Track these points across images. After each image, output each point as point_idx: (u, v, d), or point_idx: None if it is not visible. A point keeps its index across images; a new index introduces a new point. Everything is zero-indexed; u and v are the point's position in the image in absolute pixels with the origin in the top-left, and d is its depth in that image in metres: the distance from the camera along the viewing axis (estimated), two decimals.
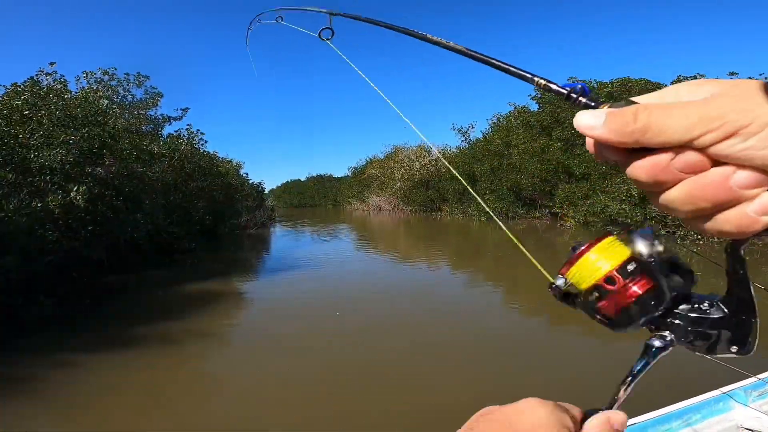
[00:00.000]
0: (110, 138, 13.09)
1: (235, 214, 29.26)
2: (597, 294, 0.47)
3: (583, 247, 0.47)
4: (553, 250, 15.80)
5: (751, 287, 0.44)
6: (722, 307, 0.46)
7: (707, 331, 0.46)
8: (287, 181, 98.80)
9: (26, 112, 11.45)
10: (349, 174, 64.65)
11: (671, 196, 0.38)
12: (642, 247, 0.46)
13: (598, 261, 0.46)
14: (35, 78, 12.87)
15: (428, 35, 0.69)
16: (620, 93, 23.58)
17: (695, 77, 25.35)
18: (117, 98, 15.82)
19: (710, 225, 0.38)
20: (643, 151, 0.38)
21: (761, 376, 2.66)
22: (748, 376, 2.69)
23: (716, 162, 0.36)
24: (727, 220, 0.37)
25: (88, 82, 15.75)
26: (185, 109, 20.25)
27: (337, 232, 29.24)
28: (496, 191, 27.18)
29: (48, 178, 10.91)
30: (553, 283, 0.50)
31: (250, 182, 41.07)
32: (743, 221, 0.36)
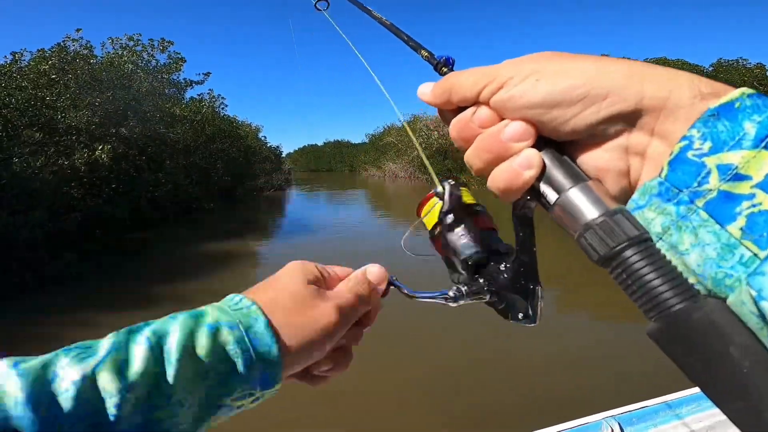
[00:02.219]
0: (134, 101, 13.28)
1: (253, 176, 29.46)
2: (435, 234, 0.52)
3: (430, 192, 0.53)
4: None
5: (534, 250, 0.44)
6: (511, 269, 0.46)
7: (500, 292, 0.47)
8: (304, 146, 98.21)
9: (53, 76, 11.68)
10: (367, 141, 64.22)
11: (468, 153, 0.42)
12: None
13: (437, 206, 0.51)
14: (62, 44, 13.01)
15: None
16: None
17: (737, 61, 24.81)
18: (141, 63, 15.79)
19: (491, 182, 0.41)
20: (461, 111, 0.43)
21: None
22: None
23: (503, 119, 0.40)
24: (499, 175, 0.40)
25: (113, 47, 15.77)
26: (207, 74, 20.21)
27: (353, 197, 29.21)
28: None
29: (74, 137, 11.13)
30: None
31: (268, 145, 41.19)
32: (510, 174, 0.39)
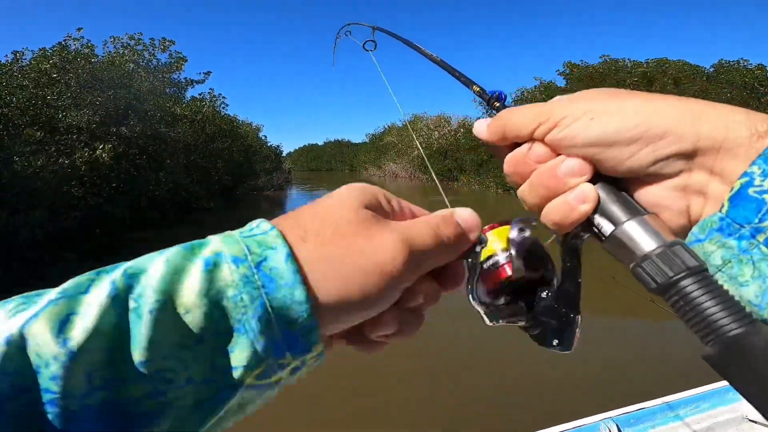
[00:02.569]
0: (135, 100, 13.32)
1: (253, 175, 29.46)
2: (484, 268, 0.50)
3: (486, 227, 0.51)
4: None
5: (579, 281, 0.45)
6: (553, 297, 0.47)
7: (538, 318, 0.47)
8: (305, 145, 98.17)
9: (54, 75, 11.73)
10: (367, 140, 64.19)
11: (523, 188, 0.43)
12: (515, 234, 0.50)
13: (494, 242, 0.50)
14: (63, 43, 13.06)
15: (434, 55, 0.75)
16: (656, 74, 23.05)
17: (738, 62, 24.79)
18: (142, 62, 15.77)
19: (545, 216, 0.42)
20: (515, 147, 0.44)
21: None
22: None
23: (558, 155, 0.41)
24: (554, 208, 0.41)
25: (114, 46, 15.75)
26: (207, 73, 20.19)
27: None
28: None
29: (75, 136, 11.17)
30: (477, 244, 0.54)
31: (269, 145, 41.24)
32: (564, 208, 0.40)
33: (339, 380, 4.41)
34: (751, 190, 0.33)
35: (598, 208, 0.39)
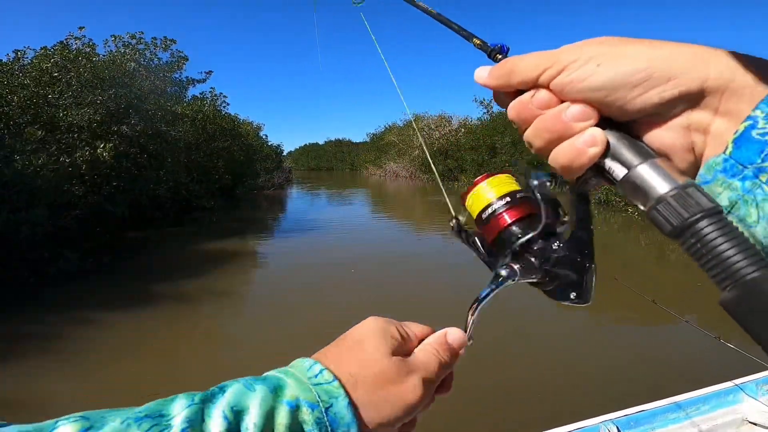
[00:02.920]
0: (136, 99, 13.32)
1: (254, 174, 29.42)
2: (482, 219, 0.51)
3: (479, 178, 0.52)
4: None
5: (591, 228, 0.46)
6: (565, 246, 0.46)
7: (552, 270, 0.46)
8: (305, 145, 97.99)
9: (56, 74, 11.75)
10: (368, 140, 64.13)
11: (528, 133, 0.43)
12: (526, 184, 0.50)
13: (488, 192, 0.50)
14: (65, 42, 13.06)
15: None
16: None
17: None
18: (144, 61, 15.75)
19: (552, 160, 0.42)
20: (519, 94, 0.44)
21: None
22: (764, 369, 2.66)
23: (562, 101, 0.41)
24: (561, 152, 0.41)
25: (116, 45, 15.74)
26: (209, 72, 20.19)
27: (354, 196, 29.13)
28: (516, 165, 26.93)
29: (76, 135, 11.19)
30: (455, 218, 0.55)
31: (269, 144, 41.23)
32: (572, 152, 0.40)
33: None
34: (754, 133, 0.34)
35: (609, 153, 0.40)
